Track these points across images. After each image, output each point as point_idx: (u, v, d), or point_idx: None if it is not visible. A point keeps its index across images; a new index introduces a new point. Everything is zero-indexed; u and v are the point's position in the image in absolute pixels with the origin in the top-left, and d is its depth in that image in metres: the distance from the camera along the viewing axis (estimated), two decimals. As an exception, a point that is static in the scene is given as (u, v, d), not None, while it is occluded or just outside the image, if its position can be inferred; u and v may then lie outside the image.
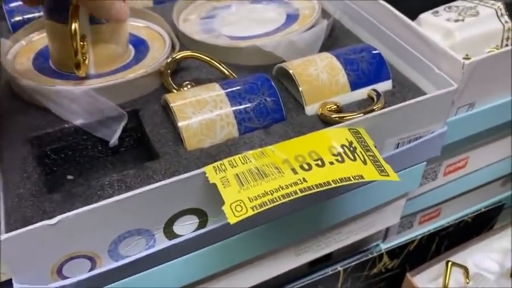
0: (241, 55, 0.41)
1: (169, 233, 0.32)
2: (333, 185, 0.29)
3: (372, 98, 0.38)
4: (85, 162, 0.38)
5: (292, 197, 0.28)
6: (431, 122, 0.38)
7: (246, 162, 0.30)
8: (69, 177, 0.37)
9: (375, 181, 0.39)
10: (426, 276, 0.53)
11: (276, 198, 0.28)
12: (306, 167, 0.30)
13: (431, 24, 0.43)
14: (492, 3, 0.45)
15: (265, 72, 0.38)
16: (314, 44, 0.42)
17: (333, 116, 0.35)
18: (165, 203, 0.30)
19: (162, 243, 0.32)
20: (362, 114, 0.35)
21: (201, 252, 0.34)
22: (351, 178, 0.29)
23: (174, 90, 0.38)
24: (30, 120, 0.36)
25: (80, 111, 0.36)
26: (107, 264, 0.31)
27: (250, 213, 0.27)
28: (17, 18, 0.46)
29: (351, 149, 0.32)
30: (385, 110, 0.35)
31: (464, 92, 0.38)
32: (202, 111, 0.34)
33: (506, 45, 0.43)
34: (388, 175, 0.31)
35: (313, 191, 0.28)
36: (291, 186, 0.28)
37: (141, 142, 0.39)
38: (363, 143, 0.33)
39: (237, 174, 0.29)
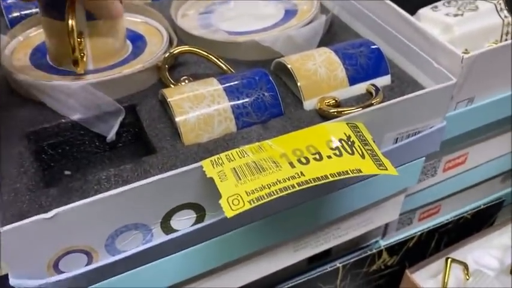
0: (240, 50, 0.41)
1: (167, 228, 0.32)
2: (331, 179, 0.28)
3: (371, 93, 0.37)
4: (82, 157, 0.38)
5: (289, 191, 0.28)
6: (430, 117, 0.38)
7: (244, 156, 0.30)
8: (67, 172, 0.37)
9: (373, 176, 0.39)
10: (426, 272, 0.53)
11: (273, 192, 0.28)
12: (304, 160, 0.30)
13: (430, 19, 0.43)
14: (491, -3, 0.44)
15: (264, 68, 0.38)
16: (312, 39, 0.42)
17: (332, 110, 0.35)
18: (162, 197, 0.30)
19: (160, 238, 0.32)
20: (360, 109, 0.34)
21: (198, 247, 0.34)
22: (349, 172, 0.29)
23: (172, 85, 0.38)
24: (27, 115, 0.36)
25: (77, 106, 0.36)
26: (103, 259, 0.31)
27: (247, 206, 0.27)
28: (15, 14, 0.46)
29: (349, 143, 0.31)
30: (384, 104, 0.34)
31: (463, 86, 0.38)
32: (200, 106, 0.34)
33: (506, 40, 0.43)
34: (386, 169, 0.31)
35: (311, 184, 0.28)
36: (289, 180, 0.28)
37: (138, 137, 0.38)
38: (361, 137, 0.32)
39: (234, 168, 0.29)
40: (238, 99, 0.35)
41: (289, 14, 0.46)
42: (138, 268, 0.33)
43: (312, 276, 0.47)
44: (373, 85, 0.38)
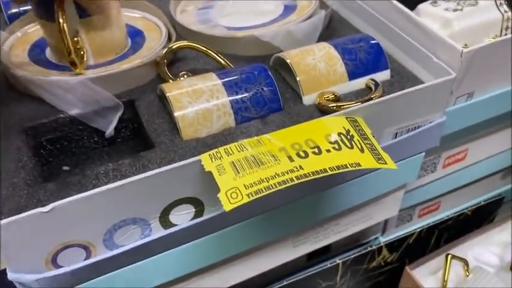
0: (239, 45, 0.41)
1: (165, 222, 0.32)
2: (330, 172, 0.28)
3: (370, 88, 0.37)
4: (81, 153, 0.38)
5: (288, 184, 0.28)
6: (430, 112, 0.38)
7: (242, 150, 0.30)
8: (65, 168, 0.37)
9: (372, 170, 0.39)
10: (426, 269, 0.53)
11: (271, 185, 0.28)
12: (303, 154, 0.29)
13: (430, 14, 0.43)
14: (491, -8, 0.44)
15: (263, 63, 0.38)
16: (312, 35, 0.42)
17: (331, 105, 0.35)
18: (161, 191, 0.30)
19: (158, 232, 0.32)
20: (360, 103, 0.34)
21: (197, 242, 0.34)
22: (348, 165, 0.29)
23: (171, 81, 0.38)
24: (25, 111, 0.36)
25: (75, 101, 0.36)
26: (102, 254, 0.31)
27: (246, 200, 0.27)
28: (13, 10, 0.45)
29: (348, 137, 0.31)
30: (383, 98, 0.34)
31: (463, 81, 0.38)
32: (199, 101, 0.34)
33: (506, 34, 0.43)
34: (385, 163, 0.31)
35: (310, 178, 0.28)
36: (287, 173, 0.28)
37: (137, 133, 0.38)
38: (361, 132, 0.32)
39: (232, 162, 0.29)
40: (237, 94, 0.35)
41: (289, 9, 0.46)
42: (136, 263, 0.32)
43: (311, 273, 0.47)
44: (373, 80, 0.38)
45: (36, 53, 0.40)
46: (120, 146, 0.39)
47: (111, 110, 0.36)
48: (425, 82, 0.38)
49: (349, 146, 0.31)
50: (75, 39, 0.36)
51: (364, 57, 0.38)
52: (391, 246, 0.52)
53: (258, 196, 0.27)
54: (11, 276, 0.29)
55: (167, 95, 0.34)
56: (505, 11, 0.43)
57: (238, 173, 0.28)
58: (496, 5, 0.43)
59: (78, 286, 0.31)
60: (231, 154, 0.29)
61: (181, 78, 0.37)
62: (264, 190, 0.27)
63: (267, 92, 0.35)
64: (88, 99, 0.35)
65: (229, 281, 0.41)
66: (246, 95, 0.35)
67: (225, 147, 0.30)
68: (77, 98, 0.36)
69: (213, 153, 0.29)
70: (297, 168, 0.28)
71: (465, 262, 0.51)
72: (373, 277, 0.55)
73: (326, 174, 0.28)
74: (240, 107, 0.35)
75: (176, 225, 0.32)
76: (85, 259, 0.31)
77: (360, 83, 0.38)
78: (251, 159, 0.29)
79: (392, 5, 0.41)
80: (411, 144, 0.39)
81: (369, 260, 0.51)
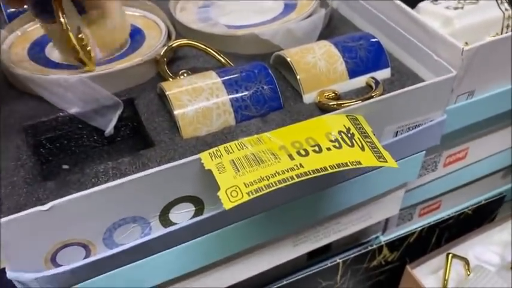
0: (239, 44, 0.41)
1: (165, 221, 0.32)
2: (330, 171, 0.28)
3: (371, 86, 0.37)
4: (80, 151, 0.38)
5: (288, 182, 0.27)
6: (431, 110, 0.38)
7: (242, 149, 0.30)
8: (65, 166, 0.37)
9: (373, 169, 0.38)
10: (426, 268, 0.53)
11: (272, 183, 0.27)
12: (303, 152, 0.29)
13: (431, 12, 0.43)
14: (492, -9, 0.44)
15: (263, 61, 0.38)
16: (312, 33, 0.42)
17: (331, 103, 0.35)
18: (161, 190, 0.30)
19: (158, 231, 0.32)
20: (360, 101, 0.34)
21: (197, 241, 0.34)
22: (348, 164, 0.29)
23: (170, 79, 0.37)
24: (24, 109, 0.36)
25: (75, 100, 0.36)
26: (101, 252, 0.31)
27: (246, 198, 0.27)
28: (13, 9, 0.45)
29: (349, 135, 0.31)
30: (384, 96, 0.34)
31: (463, 79, 0.38)
32: (199, 99, 0.34)
33: (506, 33, 0.42)
34: (386, 161, 0.30)
35: (310, 176, 0.28)
36: (288, 171, 0.28)
37: (137, 131, 0.38)
38: (361, 130, 0.32)
39: (232, 160, 0.29)
40: (237, 93, 0.35)
41: (289, 7, 0.45)
42: (136, 262, 0.32)
43: (311, 272, 0.47)
44: (373, 78, 0.37)
45: (36, 51, 0.40)
46: (119, 145, 0.39)
47: (111, 109, 0.36)
48: (425, 80, 0.38)
49: (350, 144, 0.31)
50: (80, 36, 0.35)
51: (365, 56, 0.38)
52: (392, 245, 0.52)
53: (258, 194, 0.27)
54: (10, 275, 0.29)
55: (167, 93, 0.34)
56: (506, 9, 0.43)
57: (239, 171, 0.28)
58: (497, 3, 0.43)
59: (78, 285, 0.31)
60: (231, 152, 0.29)
61: (181, 77, 0.37)
62: (264, 188, 0.27)
63: (267, 91, 0.35)
64: (88, 97, 0.35)
65: (229, 280, 0.41)
66: (246, 93, 0.35)
67: (225, 145, 0.30)
68: (76, 97, 0.35)
69: (213, 152, 0.29)
70: (297, 166, 0.28)
71: (466, 261, 0.51)
72: (374, 276, 0.55)
73: (326, 172, 0.28)
74: (240, 106, 0.34)
75: (176, 223, 0.32)
76: (84, 258, 0.30)
77: (361, 81, 0.38)
78: (251, 158, 0.29)
79: (392, 3, 0.41)
80: (412, 142, 0.39)
81: (369, 259, 0.51)
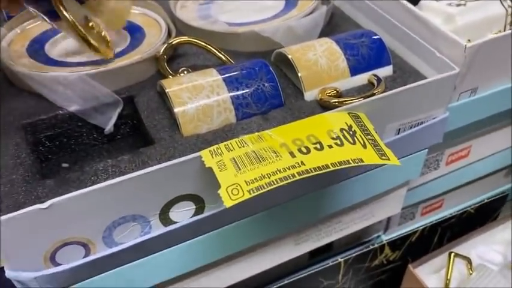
0: (239, 41, 0.41)
1: (165, 220, 0.32)
2: (332, 168, 0.28)
3: (372, 83, 0.37)
4: (80, 150, 0.38)
5: (289, 180, 0.27)
6: (433, 107, 0.37)
7: (243, 146, 0.29)
8: (64, 165, 0.37)
9: (375, 167, 0.38)
10: (429, 267, 0.52)
11: (273, 181, 0.27)
12: (304, 150, 0.29)
13: (433, 9, 0.43)
14: (495, -13, 0.44)
15: (264, 59, 0.38)
16: (313, 30, 0.42)
17: (333, 101, 0.35)
18: (161, 188, 0.30)
19: (158, 229, 0.32)
20: (362, 99, 0.34)
21: (198, 239, 0.34)
22: (350, 161, 0.29)
23: (170, 76, 0.37)
24: (24, 107, 0.36)
25: (74, 97, 0.35)
26: (101, 251, 0.30)
27: (247, 196, 0.26)
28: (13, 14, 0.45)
29: (351, 132, 0.31)
30: (386, 94, 0.34)
31: (466, 76, 0.37)
32: (199, 97, 0.33)
33: (510, 30, 0.42)
34: (388, 159, 0.30)
35: (311, 174, 0.28)
36: (289, 169, 0.28)
37: (137, 129, 0.38)
38: (363, 127, 0.32)
39: (233, 158, 0.29)
40: (238, 90, 0.34)
41: (290, 4, 0.45)
42: (136, 261, 0.32)
43: (313, 271, 0.47)
44: (375, 75, 0.37)
45: (35, 48, 0.40)
46: (119, 143, 0.38)
47: (111, 106, 0.36)
48: (428, 77, 0.37)
49: (352, 141, 0.30)
50: (90, 24, 0.35)
51: (366, 53, 0.37)
52: (394, 244, 0.51)
53: (259, 192, 0.27)
54: (9, 274, 0.28)
55: (167, 90, 0.33)
56: (509, 6, 0.42)
57: (239, 169, 0.28)
58: (500, 0, 0.43)
59: (77, 284, 0.31)
60: (231, 150, 0.29)
61: (181, 74, 0.37)
62: (265, 186, 0.27)
63: (268, 88, 0.35)
64: (87, 95, 0.35)
65: (230, 279, 0.40)
66: (247, 90, 0.34)
67: (225, 143, 0.29)
68: (76, 94, 0.35)
69: (214, 149, 0.29)
70: (298, 164, 0.28)
71: (468, 260, 0.50)
72: (376, 275, 0.54)
73: (328, 170, 0.28)
74: (241, 103, 0.34)
75: (176, 222, 0.32)
76: (84, 257, 0.30)
77: (362, 78, 0.37)
78: (252, 155, 0.29)
79: (394, 0, 0.40)
80: (414, 140, 0.38)
81: (371, 258, 0.51)
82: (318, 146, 0.29)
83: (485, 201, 0.56)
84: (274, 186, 0.27)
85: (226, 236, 0.35)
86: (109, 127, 0.36)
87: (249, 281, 0.42)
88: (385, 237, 0.51)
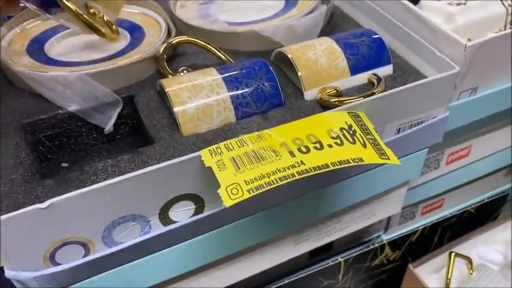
0: (239, 40, 0.41)
1: (165, 219, 0.31)
2: (332, 168, 0.28)
3: (372, 83, 0.37)
4: (80, 149, 0.38)
5: (289, 180, 0.27)
6: (433, 107, 0.37)
7: (243, 146, 0.29)
8: (64, 164, 0.37)
9: (375, 166, 0.38)
10: (429, 267, 0.52)
11: (272, 181, 0.27)
12: (304, 149, 0.29)
13: (433, 8, 0.42)
14: (495, -14, 0.44)
15: (264, 58, 0.38)
16: (313, 30, 0.42)
17: (332, 100, 0.35)
18: (160, 188, 0.30)
19: (158, 229, 0.32)
20: (362, 98, 0.34)
21: (197, 239, 0.34)
22: (350, 161, 0.29)
23: (170, 76, 0.37)
24: (23, 107, 0.36)
25: (74, 97, 0.35)
26: (100, 251, 0.30)
27: (247, 196, 0.26)
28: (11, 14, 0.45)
29: (351, 132, 0.31)
30: (386, 93, 0.34)
31: (466, 76, 0.37)
32: (199, 96, 0.33)
33: (510, 29, 0.42)
34: (388, 158, 0.30)
35: (311, 173, 0.28)
36: (289, 169, 0.28)
37: (136, 129, 0.38)
38: (363, 127, 0.32)
39: (233, 158, 0.28)
40: (238, 90, 0.34)
41: (290, 4, 0.45)
42: (136, 261, 0.32)
43: (313, 271, 0.47)
44: (375, 75, 0.37)
45: (35, 48, 0.40)
46: (119, 142, 0.38)
47: (110, 106, 0.36)
48: (428, 77, 0.37)
49: (352, 141, 0.30)
50: (91, 11, 0.35)
51: (366, 52, 0.37)
52: (394, 244, 0.51)
53: (258, 192, 0.26)
54: (8, 273, 0.28)
55: (166, 90, 0.33)
56: (509, 5, 0.42)
57: (239, 168, 0.28)
58: (500, -1, 0.42)
59: (77, 284, 0.31)
60: (231, 149, 0.29)
61: (181, 74, 0.37)
62: (265, 186, 0.27)
63: (268, 87, 0.35)
64: (87, 95, 0.35)
65: (230, 279, 0.40)
66: (247, 90, 0.34)
67: (225, 142, 0.29)
68: (75, 94, 0.35)
69: (213, 149, 0.29)
70: (298, 163, 0.28)
71: (469, 260, 0.50)
72: (376, 275, 0.54)
73: (328, 169, 0.28)
74: (241, 102, 0.34)
75: (176, 222, 0.32)
76: (83, 256, 0.30)
77: (362, 78, 0.37)
78: (252, 155, 0.29)
79: (395, 0, 0.40)
80: (414, 140, 0.38)
81: (371, 258, 0.51)
82: (317, 145, 0.29)
83: (486, 200, 0.55)
84: (274, 185, 0.27)
85: (226, 236, 0.35)
86: (109, 127, 0.36)
87: (248, 281, 0.42)
88: (386, 237, 0.51)
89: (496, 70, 0.39)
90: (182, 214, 0.32)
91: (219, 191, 0.27)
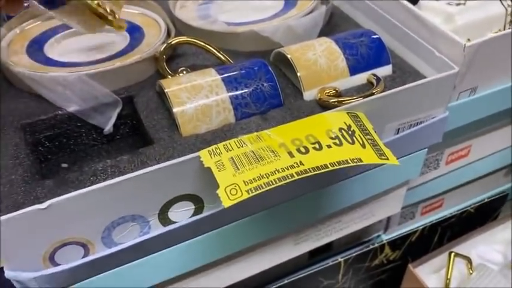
0: (238, 41, 0.41)
1: (165, 220, 0.32)
2: (330, 168, 0.28)
3: (372, 83, 0.37)
4: (80, 150, 0.38)
5: (288, 180, 0.27)
6: (432, 107, 0.37)
7: (242, 146, 0.29)
8: (64, 165, 0.37)
9: (374, 167, 0.38)
10: (429, 267, 0.52)
11: (271, 181, 0.27)
12: (303, 150, 0.29)
13: (432, 8, 0.42)
14: (494, -14, 0.44)
15: (263, 58, 0.38)
16: (312, 30, 0.42)
17: (332, 100, 0.35)
18: (160, 188, 0.30)
19: (157, 229, 0.32)
20: (361, 98, 0.34)
21: (197, 239, 0.34)
22: (349, 161, 0.29)
23: (169, 76, 0.37)
24: (23, 107, 0.36)
25: (73, 97, 0.35)
26: (100, 251, 0.30)
27: (246, 196, 0.26)
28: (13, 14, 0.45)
29: (350, 132, 0.31)
30: (385, 93, 0.34)
31: (466, 76, 0.37)
32: (198, 97, 0.33)
33: (509, 29, 0.42)
34: (387, 159, 0.30)
35: (310, 174, 0.28)
36: (287, 169, 0.28)
37: (136, 129, 0.38)
38: (362, 127, 0.32)
39: (232, 158, 0.28)
40: (237, 90, 0.34)
41: (289, 4, 0.45)
42: (135, 261, 0.32)
43: (313, 271, 0.47)
44: (374, 75, 0.37)
45: (35, 49, 0.40)
46: (118, 143, 0.38)
47: (110, 107, 0.36)
48: (427, 77, 0.37)
49: (351, 141, 0.30)
50: (96, 2, 0.35)
51: (366, 52, 0.37)
52: (394, 244, 0.51)
53: (257, 192, 0.27)
54: (8, 274, 0.28)
55: (166, 90, 0.33)
56: (509, 5, 0.42)
57: (238, 169, 0.28)
58: (500, -1, 0.42)
59: (76, 284, 0.31)
60: (230, 150, 0.29)
61: (180, 74, 0.37)
62: (264, 186, 0.27)
63: (267, 88, 0.35)
64: (86, 95, 0.35)
65: (229, 279, 0.40)
66: (246, 90, 0.34)
67: (224, 143, 0.29)
68: (75, 95, 0.35)
69: (212, 149, 0.29)
70: (297, 163, 0.28)
71: (468, 260, 0.50)
72: (376, 275, 0.54)
73: (327, 169, 0.28)
74: (240, 103, 0.34)
75: (175, 222, 0.32)
76: (83, 257, 0.30)
77: (362, 78, 0.37)
78: (251, 155, 0.29)
79: (394, 0, 0.40)
80: (413, 140, 0.38)
81: (371, 258, 0.51)
82: (316, 145, 0.29)
83: (486, 200, 0.55)
84: (273, 186, 0.27)
85: (226, 236, 0.35)
86: (108, 127, 0.36)
87: (248, 281, 0.42)
88: (385, 237, 0.51)
89: (496, 70, 0.39)
90: (181, 214, 0.32)
91: (218, 191, 0.27)
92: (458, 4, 0.42)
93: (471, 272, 0.50)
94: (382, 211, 0.45)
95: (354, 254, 0.49)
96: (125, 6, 0.43)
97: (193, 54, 0.41)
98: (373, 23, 0.43)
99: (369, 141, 0.31)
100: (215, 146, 0.29)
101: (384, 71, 0.38)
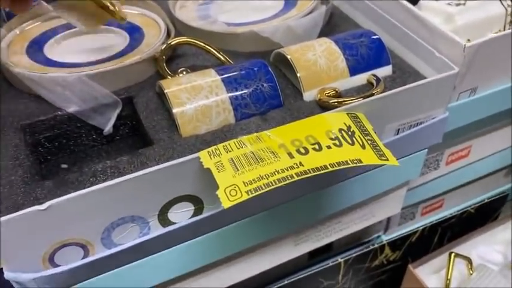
0: (238, 41, 0.41)
1: (164, 220, 0.31)
2: (330, 169, 0.28)
3: (372, 84, 0.37)
4: (79, 151, 0.38)
5: (288, 181, 0.27)
6: (432, 107, 0.37)
7: (241, 147, 0.29)
8: (63, 166, 0.37)
9: (374, 167, 0.38)
10: (429, 268, 0.52)
11: (271, 182, 0.27)
12: (303, 151, 0.29)
13: (432, 8, 0.42)
14: (494, -13, 0.43)
15: (263, 59, 0.38)
16: (312, 30, 0.42)
17: (332, 101, 0.35)
18: (159, 189, 0.30)
19: (157, 230, 0.32)
20: (361, 99, 0.34)
21: (196, 240, 0.34)
22: (349, 162, 0.29)
23: (169, 77, 0.37)
24: (23, 108, 0.36)
25: (73, 98, 0.35)
26: (99, 252, 0.30)
27: (245, 197, 0.26)
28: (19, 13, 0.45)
29: (349, 133, 0.31)
30: (385, 94, 0.34)
31: (466, 76, 0.37)
32: (198, 97, 0.33)
33: (509, 29, 0.42)
34: (387, 159, 0.30)
35: (310, 175, 0.28)
36: (287, 170, 0.28)
37: (136, 130, 0.38)
38: (362, 128, 0.32)
39: (231, 159, 0.28)
40: (237, 90, 0.34)
41: (289, 4, 0.45)
42: (135, 262, 0.32)
43: (313, 272, 0.47)
44: (374, 75, 0.37)
45: (35, 49, 0.40)
46: (118, 144, 0.38)
47: (110, 107, 0.36)
48: (427, 77, 0.37)
49: (350, 142, 0.30)
50: None
51: (366, 53, 0.37)
52: (394, 244, 0.51)
53: (257, 193, 0.26)
54: (7, 275, 0.28)
55: (166, 91, 0.33)
56: (509, 6, 0.42)
57: (238, 170, 0.28)
58: (500, -1, 0.42)
59: (76, 285, 0.31)
60: (230, 151, 0.29)
61: (180, 75, 0.37)
62: (263, 187, 0.27)
63: (267, 88, 0.35)
64: (86, 96, 0.35)
65: (229, 280, 0.40)
66: (246, 91, 0.34)
67: (224, 144, 0.29)
68: (75, 95, 0.35)
69: (212, 150, 0.29)
70: (297, 164, 0.28)
71: (469, 260, 0.50)
72: (376, 276, 0.54)
73: (326, 170, 0.28)
74: (240, 103, 0.34)
75: (175, 223, 0.32)
76: (83, 258, 0.30)
77: (361, 78, 0.37)
78: (250, 156, 0.29)
79: (394, 0, 0.40)
80: (413, 140, 0.38)
81: (371, 258, 0.51)
82: (316, 146, 0.29)
83: (486, 201, 0.55)
84: (273, 187, 0.27)
85: (225, 237, 0.35)
86: (108, 128, 0.36)
87: (248, 282, 0.42)
88: (385, 238, 0.51)
89: (496, 70, 0.39)
90: (181, 215, 0.32)
91: (217, 192, 0.27)
92: (458, 4, 0.42)
93: (471, 272, 0.50)
94: (382, 212, 0.45)
95: (354, 255, 0.49)
96: (124, 6, 0.43)
97: (193, 54, 0.41)
98: (373, 23, 0.43)
99: (369, 141, 0.31)
100: (215, 146, 0.29)
101: (384, 71, 0.38)
